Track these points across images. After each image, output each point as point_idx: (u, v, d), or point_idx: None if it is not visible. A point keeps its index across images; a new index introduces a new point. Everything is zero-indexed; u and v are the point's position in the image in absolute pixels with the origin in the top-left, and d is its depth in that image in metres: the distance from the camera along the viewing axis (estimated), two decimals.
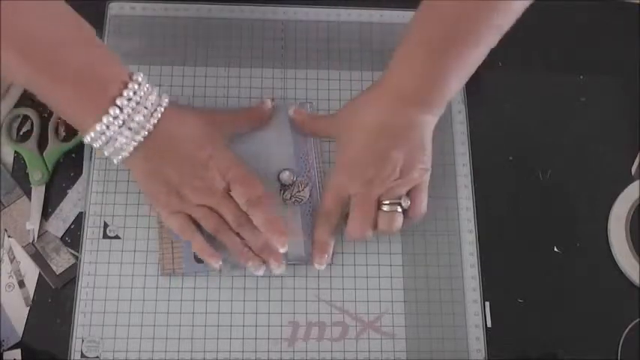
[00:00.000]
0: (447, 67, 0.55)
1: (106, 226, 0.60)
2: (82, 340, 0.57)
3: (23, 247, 0.60)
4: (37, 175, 0.61)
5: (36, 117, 0.63)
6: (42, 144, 0.63)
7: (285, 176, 0.61)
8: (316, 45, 0.68)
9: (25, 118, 0.64)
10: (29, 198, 0.61)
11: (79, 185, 0.62)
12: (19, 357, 0.57)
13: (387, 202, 0.57)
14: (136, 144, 0.53)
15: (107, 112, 0.51)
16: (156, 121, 0.53)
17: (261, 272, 0.57)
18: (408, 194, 0.58)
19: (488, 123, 0.66)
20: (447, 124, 0.66)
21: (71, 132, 0.63)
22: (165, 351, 0.57)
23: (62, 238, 0.60)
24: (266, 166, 0.61)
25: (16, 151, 0.63)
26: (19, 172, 0.62)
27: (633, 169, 0.66)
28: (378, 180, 0.56)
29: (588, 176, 0.66)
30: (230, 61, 0.66)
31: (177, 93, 0.65)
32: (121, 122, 0.51)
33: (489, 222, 0.63)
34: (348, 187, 0.58)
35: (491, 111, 0.67)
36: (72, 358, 0.56)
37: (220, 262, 0.57)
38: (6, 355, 0.56)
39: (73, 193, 0.62)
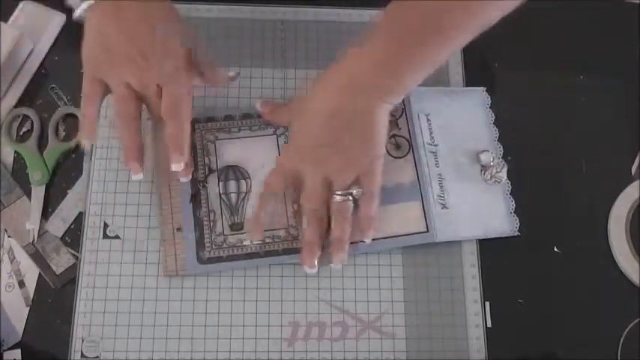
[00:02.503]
0: (408, 58, 0.54)
1: (106, 226, 0.60)
2: (82, 340, 0.57)
3: (23, 247, 0.60)
4: (37, 175, 0.61)
5: (36, 117, 0.63)
6: (42, 144, 0.63)
7: (485, 157, 0.63)
8: (316, 45, 0.68)
9: (25, 118, 0.64)
10: (29, 198, 0.61)
11: (79, 185, 0.62)
12: (19, 357, 0.57)
13: (339, 192, 0.57)
14: None
15: None
16: None
17: (140, 176, 0.57)
18: (359, 184, 0.57)
19: None
20: None
21: (71, 132, 0.63)
22: (166, 351, 0.57)
23: (62, 238, 0.60)
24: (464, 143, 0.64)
25: (16, 151, 0.63)
26: (19, 172, 0.62)
27: (633, 169, 0.66)
28: (328, 162, 0.56)
29: (588, 176, 0.66)
30: (230, 61, 0.66)
31: None
32: None
33: None
34: (298, 166, 0.57)
35: (491, 111, 0.67)
36: (72, 358, 0.56)
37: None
38: (6, 355, 0.56)
39: (73, 193, 0.62)
